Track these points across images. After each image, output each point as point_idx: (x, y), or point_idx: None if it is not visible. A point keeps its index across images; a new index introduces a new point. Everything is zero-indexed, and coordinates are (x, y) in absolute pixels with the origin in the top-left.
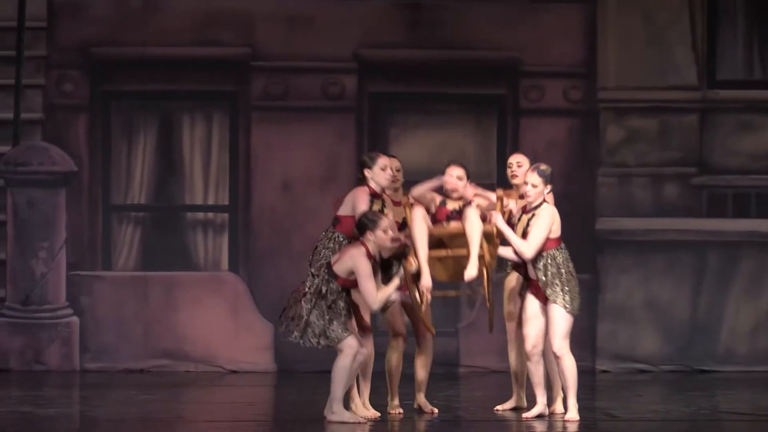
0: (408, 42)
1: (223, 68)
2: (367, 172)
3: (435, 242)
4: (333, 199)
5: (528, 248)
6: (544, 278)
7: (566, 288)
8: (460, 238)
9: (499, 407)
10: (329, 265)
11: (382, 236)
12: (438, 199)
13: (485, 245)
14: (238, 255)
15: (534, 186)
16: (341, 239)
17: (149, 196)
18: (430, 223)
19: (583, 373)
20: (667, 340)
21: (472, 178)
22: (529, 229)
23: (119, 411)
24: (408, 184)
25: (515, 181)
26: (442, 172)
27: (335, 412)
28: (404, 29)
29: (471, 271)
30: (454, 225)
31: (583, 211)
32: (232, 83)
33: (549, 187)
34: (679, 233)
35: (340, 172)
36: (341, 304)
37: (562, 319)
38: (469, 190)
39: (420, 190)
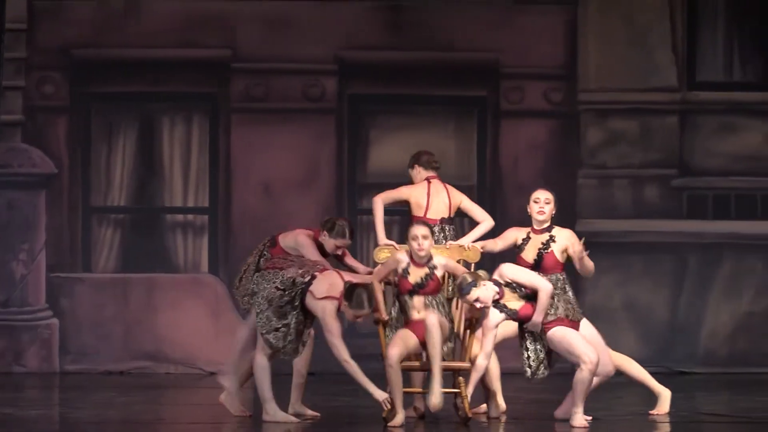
0: (388, 44)
1: (204, 70)
2: (324, 233)
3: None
4: (313, 201)
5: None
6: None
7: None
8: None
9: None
10: (305, 290)
11: (350, 314)
12: (402, 264)
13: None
14: (218, 257)
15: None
16: None
17: (129, 198)
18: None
19: (563, 375)
20: (646, 342)
21: (452, 180)
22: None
23: (99, 413)
24: (388, 186)
25: (541, 218)
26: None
27: (269, 412)
28: (385, 31)
29: (435, 401)
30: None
31: (563, 212)
32: (213, 85)
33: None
34: (659, 235)
35: (320, 173)
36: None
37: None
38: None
39: (382, 272)
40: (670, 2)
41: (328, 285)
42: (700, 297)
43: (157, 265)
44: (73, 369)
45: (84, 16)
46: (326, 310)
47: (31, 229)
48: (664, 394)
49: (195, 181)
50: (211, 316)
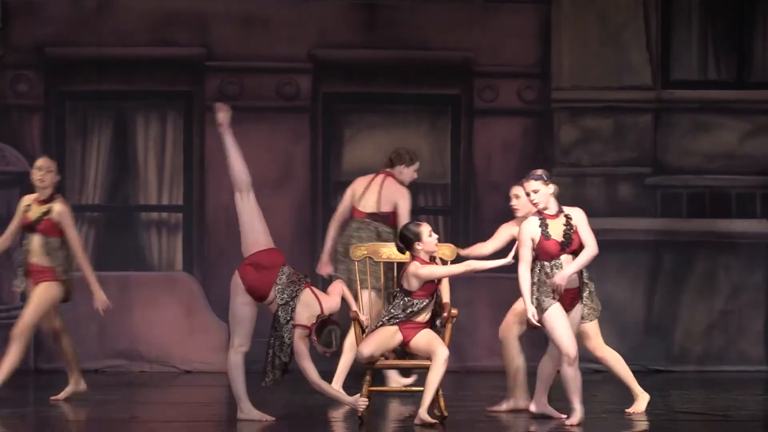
0: (363, 42)
1: (178, 68)
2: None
3: None
4: (288, 200)
5: (593, 246)
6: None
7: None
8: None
9: (494, 407)
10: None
11: (319, 348)
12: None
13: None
14: (193, 255)
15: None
16: None
17: (103, 196)
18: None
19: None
20: (621, 340)
21: (426, 179)
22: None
23: (74, 411)
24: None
25: (518, 214)
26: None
27: (243, 411)
28: (359, 30)
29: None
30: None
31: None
32: (187, 83)
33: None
34: (634, 233)
35: (295, 172)
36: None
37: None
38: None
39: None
40: (644, 1)
41: (308, 314)
42: (675, 295)
43: (131, 263)
44: (47, 367)
45: (58, 14)
46: (297, 335)
47: (6, 227)
48: (643, 397)
49: (169, 179)
50: (185, 315)
